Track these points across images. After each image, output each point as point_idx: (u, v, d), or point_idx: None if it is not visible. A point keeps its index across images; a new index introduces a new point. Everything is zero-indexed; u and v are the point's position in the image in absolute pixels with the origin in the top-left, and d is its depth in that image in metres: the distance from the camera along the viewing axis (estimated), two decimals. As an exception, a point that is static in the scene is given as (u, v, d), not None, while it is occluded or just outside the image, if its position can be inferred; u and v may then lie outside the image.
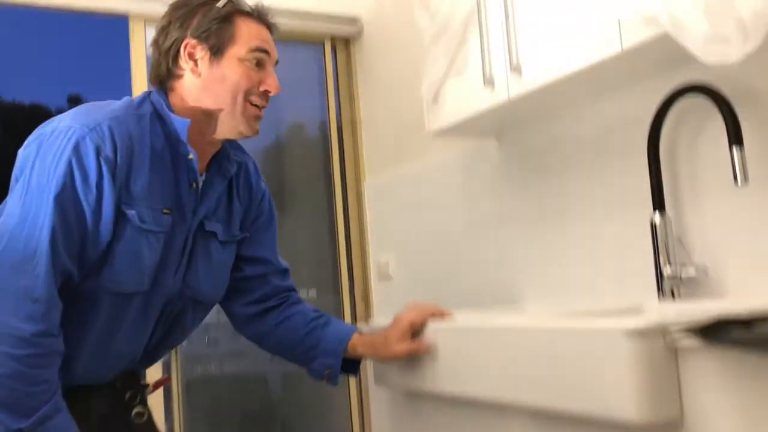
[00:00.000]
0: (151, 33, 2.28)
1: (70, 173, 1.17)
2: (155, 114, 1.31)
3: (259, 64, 1.34)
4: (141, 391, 1.44)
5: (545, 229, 1.92)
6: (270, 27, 1.38)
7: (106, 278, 1.24)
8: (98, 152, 1.19)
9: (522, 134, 1.99)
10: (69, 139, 1.19)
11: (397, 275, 2.60)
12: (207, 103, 1.32)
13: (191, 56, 1.32)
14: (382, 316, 2.66)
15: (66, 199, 1.17)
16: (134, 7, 2.40)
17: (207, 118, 1.33)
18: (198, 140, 1.33)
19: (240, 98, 1.31)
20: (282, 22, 2.11)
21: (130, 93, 1.89)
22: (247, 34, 1.33)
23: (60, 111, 1.29)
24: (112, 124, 1.22)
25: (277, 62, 1.38)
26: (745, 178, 1.28)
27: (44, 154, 1.19)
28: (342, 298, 2.73)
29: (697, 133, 1.50)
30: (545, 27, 1.55)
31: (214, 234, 1.40)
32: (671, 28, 1.20)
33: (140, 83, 2.44)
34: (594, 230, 1.75)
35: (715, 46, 1.14)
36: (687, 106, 1.48)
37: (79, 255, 1.20)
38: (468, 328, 1.32)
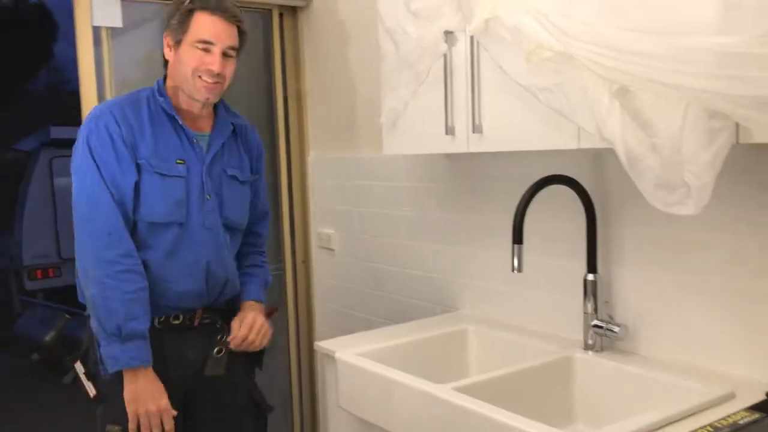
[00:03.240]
0: (97, 3, 2.29)
1: (93, 145, 1.74)
2: (153, 95, 1.83)
3: (207, 50, 1.76)
4: (228, 330, 1.89)
5: (487, 247, 2.13)
6: (224, 17, 1.77)
7: (144, 212, 1.77)
8: (106, 127, 1.75)
9: (472, 162, 2.15)
10: (87, 125, 1.78)
11: (339, 249, 2.78)
12: (176, 79, 1.82)
13: (168, 45, 1.82)
14: (323, 285, 2.86)
15: (100, 160, 1.73)
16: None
17: (181, 89, 1.81)
18: (189, 106, 1.84)
19: (190, 75, 1.78)
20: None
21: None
22: (199, 27, 1.76)
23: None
24: (113, 109, 1.79)
25: (234, 47, 1.81)
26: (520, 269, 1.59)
27: (78, 139, 1.78)
28: (285, 263, 2.89)
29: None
30: (508, 100, 1.67)
31: (235, 177, 1.92)
32: (625, 162, 1.37)
33: (86, 50, 2.39)
34: (532, 260, 1.97)
35: (662, 194, 1.33)
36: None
37: (122, 196, 1.74)
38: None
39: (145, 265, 1.78)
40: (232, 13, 1.80)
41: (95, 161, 1.74)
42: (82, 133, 1.78)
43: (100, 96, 2.41)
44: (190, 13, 1.76)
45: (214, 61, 1.77)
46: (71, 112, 1.92)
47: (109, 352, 1.70)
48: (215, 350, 1.87)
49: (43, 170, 6.52)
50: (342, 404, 1.82)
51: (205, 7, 1.77)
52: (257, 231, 2.10)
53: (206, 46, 1.76)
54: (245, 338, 1.87)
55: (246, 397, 1.97)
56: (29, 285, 6.42)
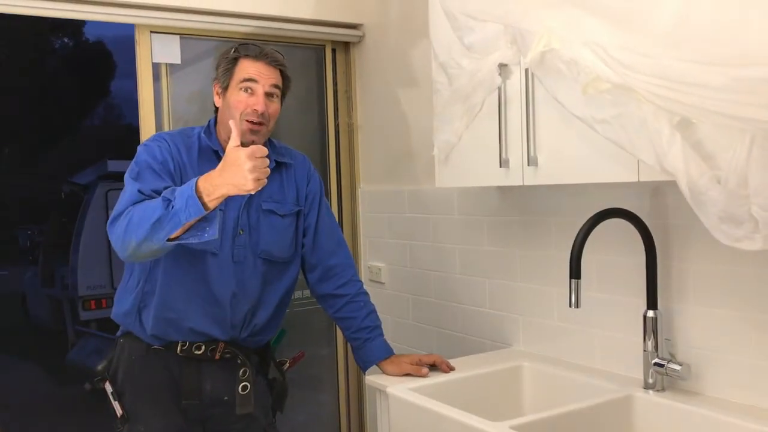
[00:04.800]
0: (157, 41, 2.35)
1: (146, 160, 1.80)
2: (203, 134, 1.91)
3: (250, 91, 1.83)
4: (250, 367, 1.91)
5: (542, 282, 2.09)
6: (267, 62, 1.85)
7: (181, 237, 1.68)
8: (159, 147, 1.84)
9: (525, 195, 2.13)
10: (143, 145, 1.87)
11: (389, 283, 2.77)
12: (224, 122, 1.86)
13: (216, 93, 1.91)
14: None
15: (142, 165, 1.79)
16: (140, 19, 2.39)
17: (226, 127, 1.83)
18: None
19: (238, 117, 1.82)
20: (286, 28, 2.59)
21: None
22: (242, 71, 1.84)
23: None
24: (165, 137, 1.89)
25: (277, 86, 1.87)
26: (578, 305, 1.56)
27: (136, 155, 1.85)
28: (334, 296, 2.89)
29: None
30: (564, 132, 1.65)
31: (271, 211, 1.94)
32: (688, 195, 1.34)
33: (146, 85, 2.47)
34: (589, 296, 1.92)
35: (727, 228, 1.29)
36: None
37: (153, 190, 1.74)
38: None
39: (177, 286, 1.84)
40: (274, 59, 1.88)
41: (138, 168, 1.80)
42: (136, 155, 1.86)
43: (158, 129, 2.47)
44: (235, 60, 1.86)
45: (257, 102, 1.83)
46: (126, 146, 1.97)
47: (180, 213, 1.60)
48: (240, 387, 1.89)
49: (99, 203, 6.70)
50: (394, 440, 1.79)
51: (249, 54, 1.86)
52: (342, 264, 2.08)
53: (250, 84, 1.82)
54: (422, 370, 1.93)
55: None
56: (83, 315, 6.56)
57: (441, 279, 2.50)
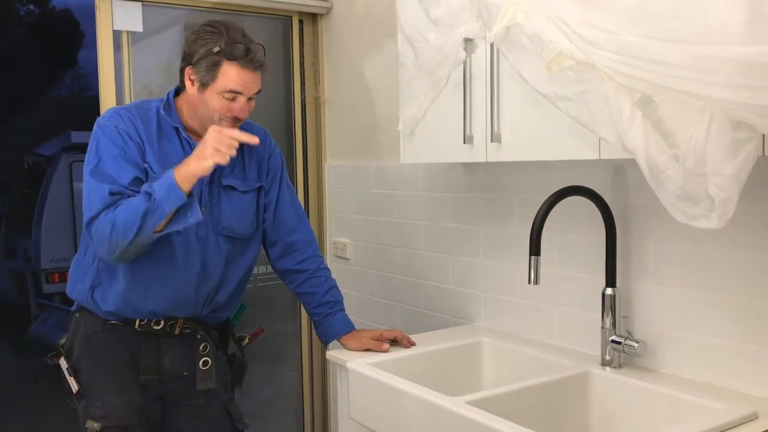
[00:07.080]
0: (118, 7, 2.30)
1: (101, 143, 1.75)
2: (161, 108, 1.85)
3: (233, 98, 1.77)
4: (210, 342, 1.91)
5: (504, 259, 2.10)
6: (252, 69, 1.77)
7: None
8: (116, 127, 1.78)
9: (490, 172, 2.13)
10: (99, 125, 1.80)
11: (354, 258, 2.76)
12: (197, 113, 1.83)
13: (190, 79, 1.80)
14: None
15: (105, 154, 1.74)
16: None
17: (198, 119, 1.83)
18: (199, 129, 1.84)
19: (216, 119, 1.78)
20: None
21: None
22: (227, 78, 1.75)
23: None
24: (120, 112, 1.82)
25: (259, 90, 1.81)
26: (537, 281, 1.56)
27: (91, 141, 1.79)
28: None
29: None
30: (527, 109, 1.65)
31: (232, 187, 1.90)
32: (647, 172, 1.34)
33: (107, 54, 2.41)
34: (549, 273, 1.94)
35: (684, 206, 1.29)
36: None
37: (119, 181, 1.72)
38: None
39: (142, 268, 1.80)
40: (260, 63, 1.78)
41: (101, 156, 1.75)
42: (93, 135, 1.79)
43: (119, 100, 2.42)
44: (218, 61, 1.74)
45: (240, 109, 1.79)
46: (92, 117, 1.94)
47: (163, 204, 1.64)
48: (201, 362, 1.89)
49: (63, 174, 6.58)
50: (353, 416, 1.79)
51: (235, 59, 1.74)
52: (303, 239, 2.06)
53: (234, 95, 1.76)
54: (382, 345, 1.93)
55: (221, 410, 1.98)
56: (47, 288, 6.46)
57: (405, 255, 2.49)
